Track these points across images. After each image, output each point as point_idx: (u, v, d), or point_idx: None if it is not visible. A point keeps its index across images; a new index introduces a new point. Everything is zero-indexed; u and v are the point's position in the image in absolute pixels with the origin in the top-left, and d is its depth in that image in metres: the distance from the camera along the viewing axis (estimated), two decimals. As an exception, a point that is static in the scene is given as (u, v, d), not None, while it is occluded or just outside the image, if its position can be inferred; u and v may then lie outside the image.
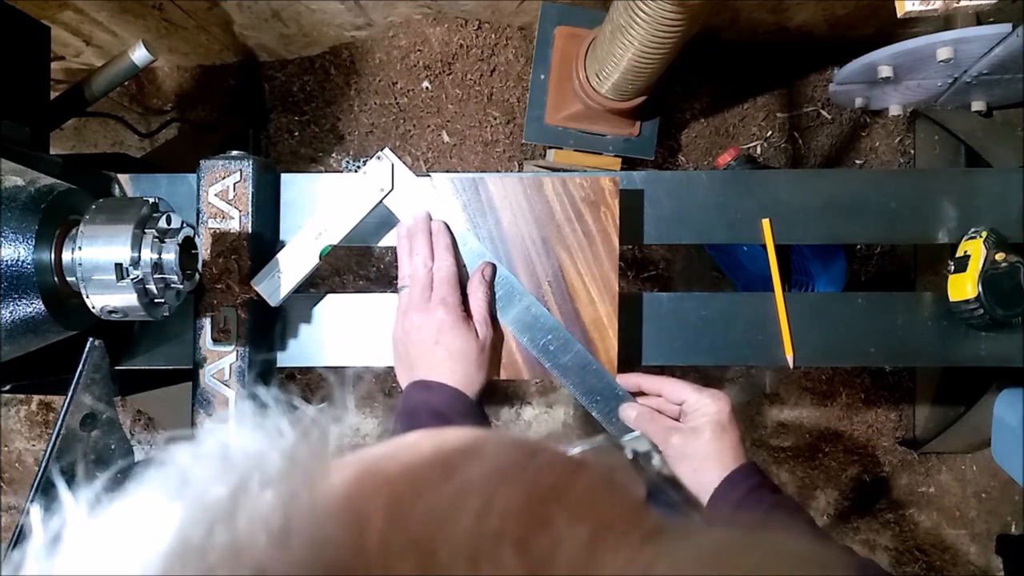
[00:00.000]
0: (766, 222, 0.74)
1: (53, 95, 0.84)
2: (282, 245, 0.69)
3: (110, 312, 0.57)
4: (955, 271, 0.72)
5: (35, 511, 0.19)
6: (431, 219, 0.68)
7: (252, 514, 0.18)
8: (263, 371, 0.69)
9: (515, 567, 0.17)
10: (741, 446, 0.61)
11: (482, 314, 0.65)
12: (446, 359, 0.62)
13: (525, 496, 0.19)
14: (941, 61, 0.90)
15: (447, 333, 0.62)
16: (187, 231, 0.59)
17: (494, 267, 0.68)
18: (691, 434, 0.61)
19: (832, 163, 1.39)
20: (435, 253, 0.66)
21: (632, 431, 0.64)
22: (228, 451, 0.20)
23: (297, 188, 0.73)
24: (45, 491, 0.48)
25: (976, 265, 0.70)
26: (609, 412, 0.65)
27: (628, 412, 0.65)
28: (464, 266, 0.68)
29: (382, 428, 1.37)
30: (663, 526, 0.20)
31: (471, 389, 0.62)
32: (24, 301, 0.55)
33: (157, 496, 0.19)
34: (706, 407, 0.61)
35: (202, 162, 0.68)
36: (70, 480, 0.52)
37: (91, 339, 0.54)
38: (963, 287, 0.71)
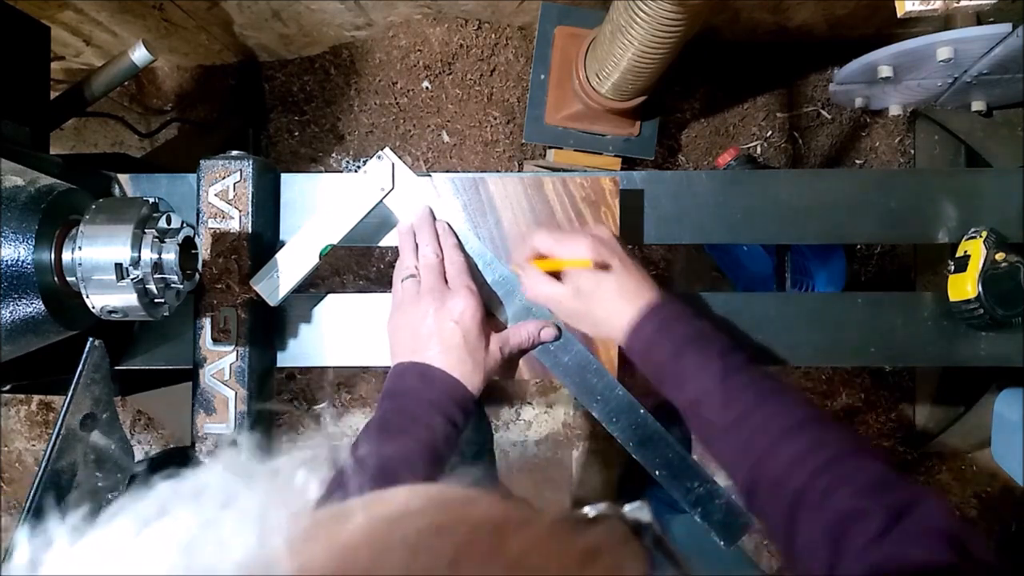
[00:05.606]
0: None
1: (53, 95, 0.84)
2: (282, 245, 0.69)
3: (110, 312, 0.57)
4: (955, 271, 0.72)
5: (22, 533, 0.20)
6: (434, 216, 0.68)
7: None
8: (263, 371, 0.69)
9: None
10: (647, 282, 0.60)
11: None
12: (460, 345, 0.60)
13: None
14: (941, 61, 0.90)
15: (470, 319, 0.61)
16: (187, 231, 0.59)
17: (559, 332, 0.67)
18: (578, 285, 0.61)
19: (832, 163, 1.39)
20: (444, 249, 0.65)
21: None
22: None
23: (297, 188, 0.73)
24: (37, 513, 0.48)
25: (976, 265, 0.70)
26: (610, 412, 0.65)
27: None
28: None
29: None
30: None
31: (473, 385, 0.61)
32: (24, 301, 0.55)
33: (135, 526, 0.20)
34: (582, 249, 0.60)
35: (202, 162, 0.68)
36: (68, 484, 0.52)
37: (91, 339, 0.54)
38: (963, 287, 0.71)
